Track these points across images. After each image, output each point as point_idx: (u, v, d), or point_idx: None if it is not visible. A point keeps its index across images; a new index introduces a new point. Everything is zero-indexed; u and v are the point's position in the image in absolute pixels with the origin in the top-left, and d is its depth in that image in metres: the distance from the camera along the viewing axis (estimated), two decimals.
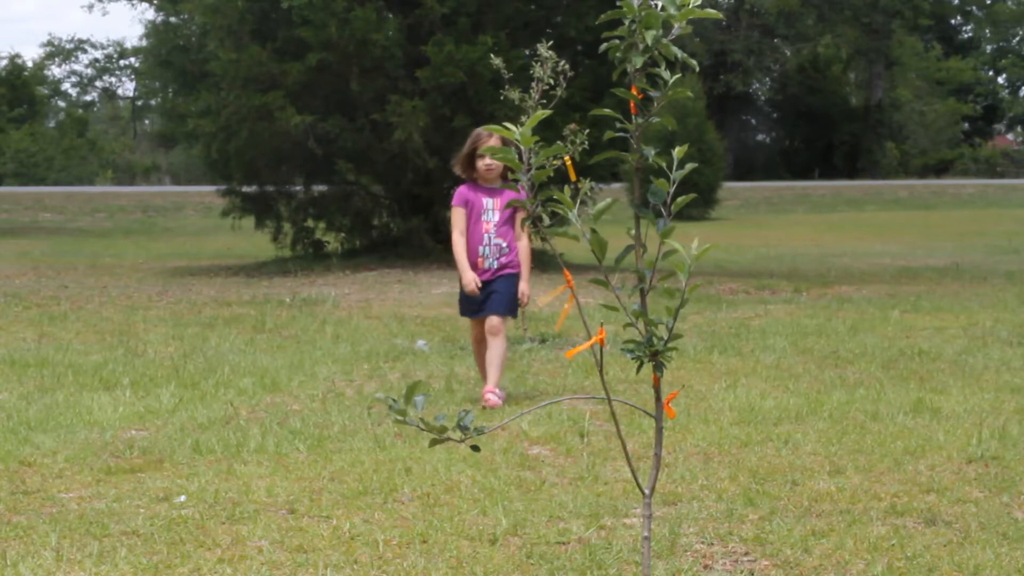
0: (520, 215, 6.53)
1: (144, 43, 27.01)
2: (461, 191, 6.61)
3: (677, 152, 2.94)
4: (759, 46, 54.98)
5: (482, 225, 6.56)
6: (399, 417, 2.97)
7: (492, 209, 6.56)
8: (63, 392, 6.98)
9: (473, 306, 6.64)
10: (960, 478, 4.95)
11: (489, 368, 6.56)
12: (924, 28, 61.76)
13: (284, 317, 10.75)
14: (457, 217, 6.60)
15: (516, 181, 5.78)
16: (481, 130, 6.29)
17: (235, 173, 16.96)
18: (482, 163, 6.48)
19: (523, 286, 6.63)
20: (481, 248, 6.57)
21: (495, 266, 6.58)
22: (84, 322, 10.40)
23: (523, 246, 6.65)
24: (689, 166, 2.96)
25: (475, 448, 3.03)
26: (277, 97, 15.20)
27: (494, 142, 6.21)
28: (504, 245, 6.58)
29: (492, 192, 6.57)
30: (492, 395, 6.47)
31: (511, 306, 6.63)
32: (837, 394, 6.81)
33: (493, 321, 6.54)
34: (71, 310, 11.30)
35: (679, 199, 2.96)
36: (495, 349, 6.53)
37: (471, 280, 6.51)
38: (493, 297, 6.56)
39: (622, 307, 2.98)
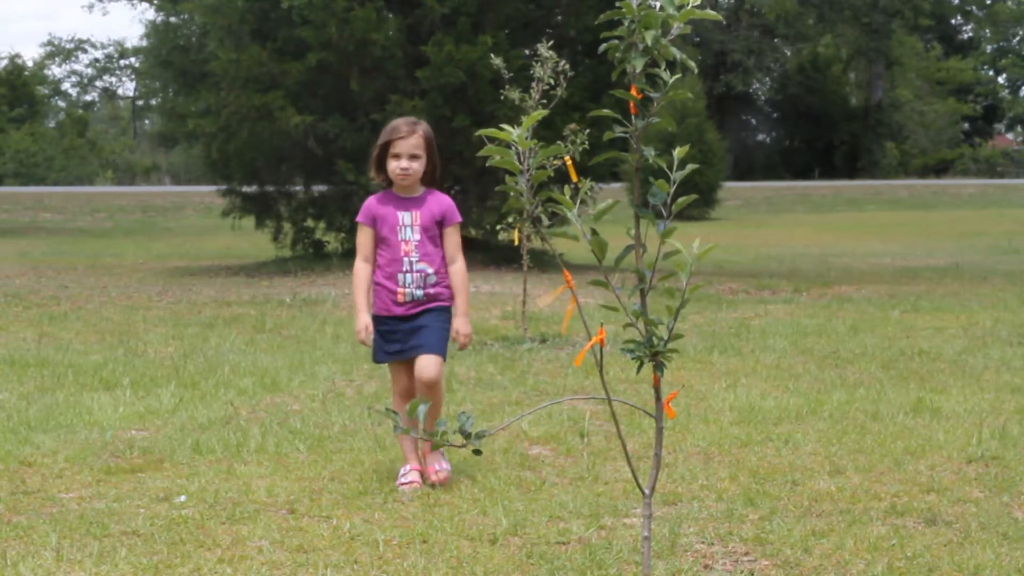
0: (450, 229, 5.01)
1: (144, 43, 26.99)
2: (368, 204, 5.04)
3: (678, 152, 2.94)
4: (759, 46, 55.00)
5: (399, 246, 4.94)
6: (401, 431, 2.98)
7: (410, 225, 4.95)
8: (63, 392, 6.98)
9: (391, 344, 4.99)
10: (960, 478, 4.95)
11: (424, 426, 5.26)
12: (924, 28, 61.81)
13: (284, 317, 10.75)
14: (362, 239, 5.01)
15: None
16: (398, 122, 5.02)
17: (235, 173, 16.96)
18: (396, 164, 4.94)
19: (459, 322, 4.99)
20: (401, 276, 4.93)
21: (420, 297, 4.94)
22: (84, 322, 10.40)
23: (457, 270, 5.01)
24: (690, 167, 2.96)
25: (477, 452, 3.03)
26: (277, 97, 15.20)
27: (415, 141, 4.93)
28: (431, 271, 4.95)
29: (409, 203, 4.99)
30: (437, 467, 4.92)
31: (444, 344, 5.01)
32: (837, 394, 6.81)
33: (426, 369, 4.90)
34: (71, 310, 11.30)
35: (680, 200, 2.96)
36: (429, 399, 4.71)
37: (361, 326, 4.95)
38: (421, 333, 4.93)
39: (622, 307, 2.98)
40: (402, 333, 4.95)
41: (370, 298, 4.99)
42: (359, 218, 5.02)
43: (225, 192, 17.49)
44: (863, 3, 51.60)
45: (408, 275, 4.93)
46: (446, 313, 5.00)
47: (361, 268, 5.01)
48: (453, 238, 5.02)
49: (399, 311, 4.94)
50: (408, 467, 4.89)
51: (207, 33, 16.52)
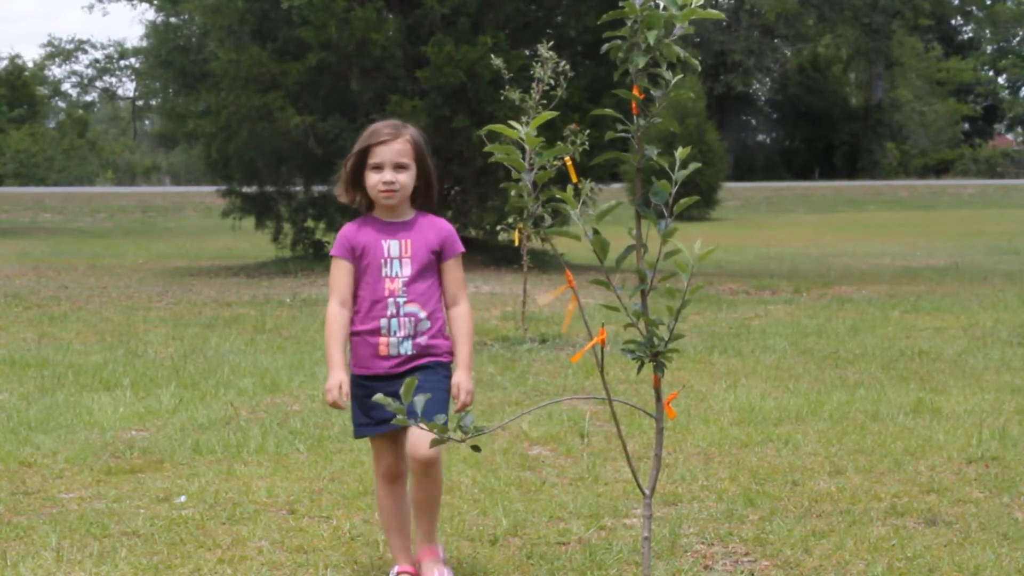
0: (451, 262, 3.86)
1: (144, 43, 27.01)
2: (344, 233, 3.88)
3: (680, 153, 2.94)
4: (759, 46, 55.02)
5: (383, 284, 3.79)
6: (399, 418, 2.98)
7: (399, 256, 3.81)
8: (63, 392, 6.98)
9: (378, 412, 3.73)
10: (960, 478, 4.95)
11: (419, 518, 3.84)
12: (924, 28, 61.84)
13: (284, 317, 10.75)
14: (337, 277, 3.84)
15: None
16: (378, 125, 3.86)
17: (235, 173, 16.98)
18: (377, 178, 3.78)
19: (460, 375, 3.79)
20: (384, 322, 3.78)
21: (409, 351, 3.78)
22: (84, 322, 10.40)
23: (461, 313, 3.85)
24: (692, 166, 2.96)
25: (476, 448, 3.03)
26: (277, 97, 15.21)
27: (400, 146, 3.77)
28: (423, 316, 3.78)
29: (395, 229, 3.84)
30: (436, 566, 3.82)
31: (445, 411, 3.67)
32: (837, 394, 6.81)
33: (422, 445, 3.66)
34: (71, 310, 11.30)
35: (682, 200, 2.96)
36: (426, 488, 3.79)
37: (334, 384, 3.74)
38: (414, 400, 3.37)
39: (623, 307, 2.98)
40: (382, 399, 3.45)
41: (347, 351, 3.85)
42: (334, 251, 3.87)
43: (225, 192, 17.50)
44: (863, 3, 51.63)
45: (394, 320, 3.77)
46: (443, 370, 3.81)
47: (335, 314, 3.82)
48: (455, 273, 3.87)
49: (383, 367, 3.78)
50: (397, 569, 3.85)
51: (207, 33, 16.54)
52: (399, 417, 3.00)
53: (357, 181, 3.84)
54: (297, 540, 4.19)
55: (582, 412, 6.27)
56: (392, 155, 3.76)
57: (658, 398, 3.11)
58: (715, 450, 5.49)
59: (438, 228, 3.86)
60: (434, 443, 3.07)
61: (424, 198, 3.87)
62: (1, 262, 17.84)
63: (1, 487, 4.91)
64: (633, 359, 3.02)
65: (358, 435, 3.90)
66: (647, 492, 3.15)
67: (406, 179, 3.78)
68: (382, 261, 3.80)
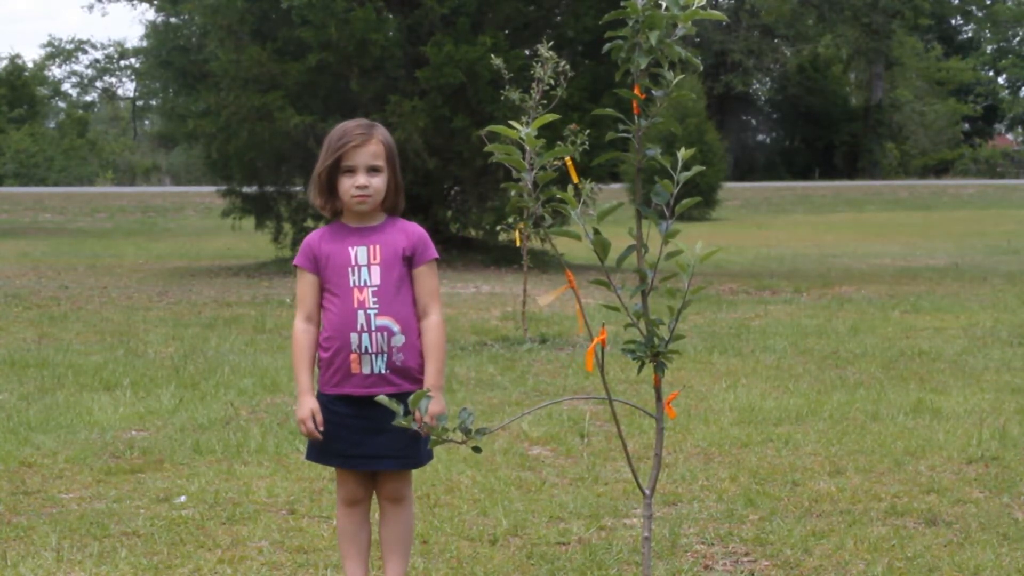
0: (423, 269, 3.56)
1: (144, 44, 27.02)
2: (308, 241, 3.61)
3: (683, 154, 2.94)
4: (759, 46, 55.02)
5: (351, 295, 3.51)
6: (402, 422, 2.98)
7: (366, 264, 3.53)
8: (63, 392, 6.98)
9: (336, 440, 3.52)
10: (960, 478, 4.96)
11: (388, 561, 3.62)
12: (924, 28, 61.83)
13: (284, 317, 10.74)
14: (302, 288, 3.59)
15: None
16: (347, 125, 3.58)
17: (235, 173, 16.99)
18: (350, 183, 3.51)
19: (434, 403, 3.34)
20: (355, 337, 3.48)
21: (383, 369, 3.48)
22: (84, 322, 10.40)
23: (433, 325, 3.54)
24: (695, 169, 2.96)
25: (476, 449, 3.03)
26: (277, 97, 15.22)
27: (373, 148, 3.51)
28: (397, 330, 3.49)
29: (364, 234, 3.56)
30: None
31: (414, 447, 3.51)
32: (837, 394, 6.81)
33: (391, 485, 3.58)
34: (71, 310, 11.30)
35: (684, 201, 2.96)
36: (395, 527, 3.61)
37: (307, 414, 3.48)
38: (383, 435, 3.45)
39: (623, 308, 2.98)
40: (353, 429, 3.49)
41: (316, 371, 3.57)
42: (297, 260, 3.60)
43: (225, 192, 17.53)
44: (863, 3, 51.61)
45: (365, 335, 3.47)
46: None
47: (301, 331, 3.55)
48: (428, 282, 3.57)
49: (352, 386, 3.49)
50: None
51: (207, 33, 16.55)
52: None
53: (330, 186, 3.55)
54: (297, 540, 4.19)
55: (582, 412, 6.27)
56: (365, 158, 3.51)
57: (658, 398, 3.11)
58: (715, 450, 5.49)
59: (408, 232, 3.58)
60: (433, 444, 3.08)
61: (393, 203, 3.60)
62: (1, 262, 17.84)
63: (1, 487, 4.91)
64: (633, 359, 3.02)
65: (308, 458, 3.64)
66: (647, 492, 3.15)
67: (380, 183, 3.53)
68: (349, 269, 3.52)
